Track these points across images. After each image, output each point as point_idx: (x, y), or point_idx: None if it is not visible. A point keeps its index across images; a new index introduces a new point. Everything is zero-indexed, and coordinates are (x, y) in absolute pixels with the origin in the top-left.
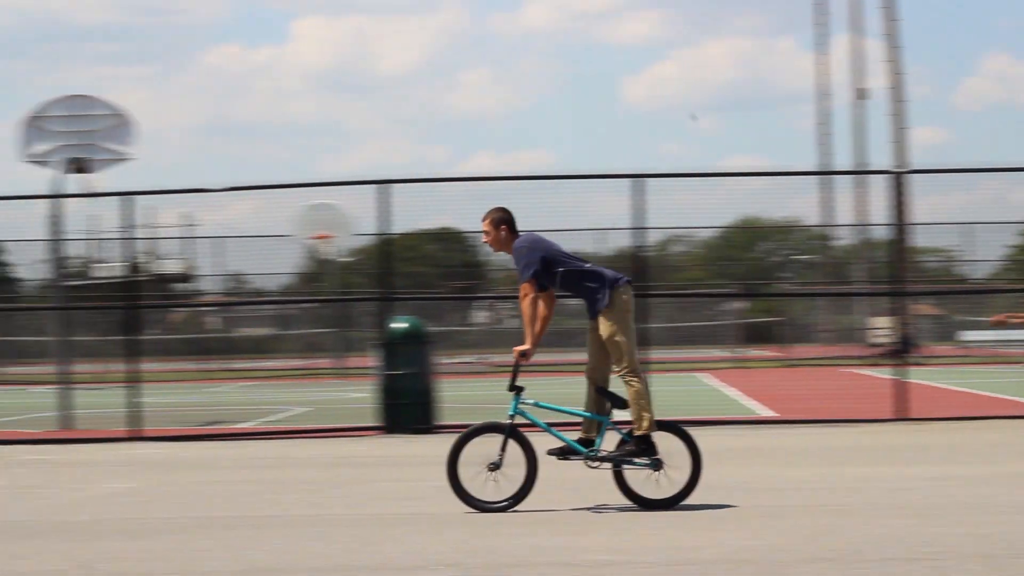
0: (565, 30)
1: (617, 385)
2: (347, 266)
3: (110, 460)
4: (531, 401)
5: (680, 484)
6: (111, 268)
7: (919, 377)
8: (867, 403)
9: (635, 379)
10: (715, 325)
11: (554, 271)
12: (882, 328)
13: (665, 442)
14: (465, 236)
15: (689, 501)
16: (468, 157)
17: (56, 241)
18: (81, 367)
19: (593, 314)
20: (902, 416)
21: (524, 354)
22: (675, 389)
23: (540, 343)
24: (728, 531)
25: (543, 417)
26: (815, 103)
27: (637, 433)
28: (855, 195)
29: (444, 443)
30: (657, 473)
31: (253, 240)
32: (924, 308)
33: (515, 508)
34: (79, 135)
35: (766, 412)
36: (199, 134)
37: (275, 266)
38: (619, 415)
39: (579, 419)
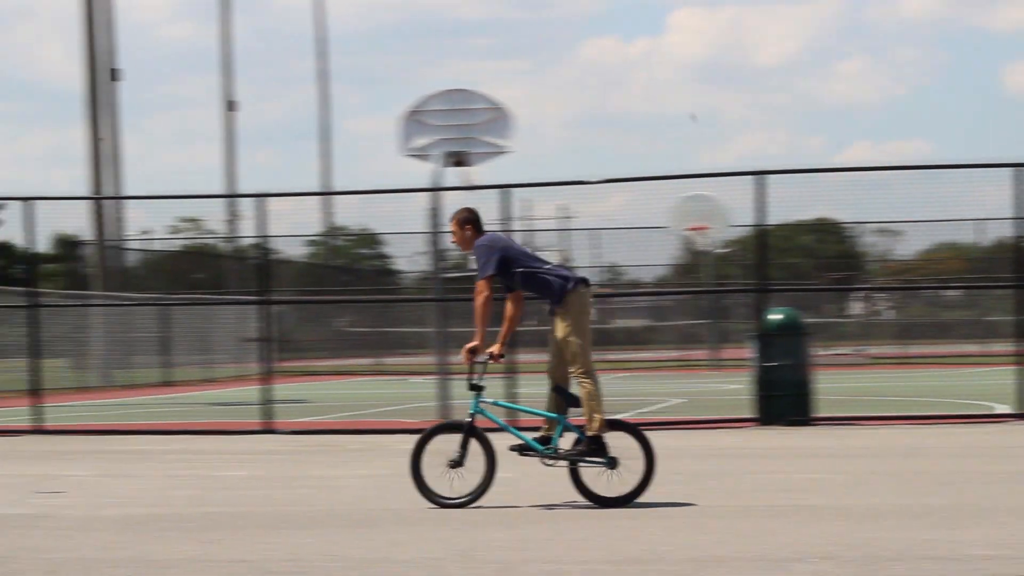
0: (943, 17)
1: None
2: (723, 257)
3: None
4: (491, 400)
5: (633, 483)
6: None
7: None
8: None
9: (587, 380)
10: None
11: (512, 271)
12: None
13: (622, 441)
14: (842, 227)
15: None
16: (844, 147)
17: (435, 233)
18: (458, 357)
19: (551, 314)
20: None
21: (472, 351)
22: None
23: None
24: None
25: (503, 416)
26: None
27: (588, 433)
28: None
29: (821, 436)
30: (611, 471)
31: (628, 232)
32: None
33: (475, 504)
34: (458, 129)
35: None
36: (575, 127)
37: (650, 257)
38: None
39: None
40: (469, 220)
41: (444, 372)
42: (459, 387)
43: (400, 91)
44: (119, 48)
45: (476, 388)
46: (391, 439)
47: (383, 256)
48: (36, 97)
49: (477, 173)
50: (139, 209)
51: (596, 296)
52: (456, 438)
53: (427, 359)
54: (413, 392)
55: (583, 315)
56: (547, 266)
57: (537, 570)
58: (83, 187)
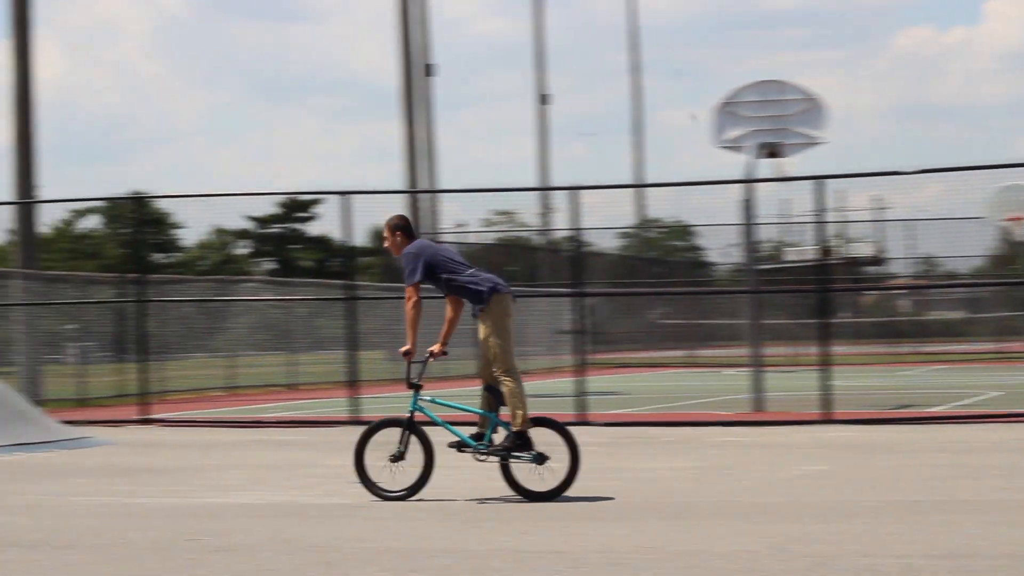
0: None
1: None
2: None
3: (802, 442)
4: (428, 398)
5: (560, 478)
6: (802, 252)
7: None
8: None
9: (508, 379)
10: None
11: (438, 276)
12: None
13: (547, 437)
14: None
15: None
16: None
17: (748, 225)
18: (772, 350)
19: (475, 316)
20: None
21: (407, 353)
22: None
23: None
24: None
25: (440, 412)
26: None
27: (514, 429)
28: None
29: None
30: (541, 467)
31: (943, 222)
32: None
33: (413, 497)
34: (771, 120)
35: None
36: (891, 117)
37: (966, 248)
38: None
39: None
40: (400, 227)
41: (758, 364)
42: (773, 379)
43: (713, 83)
44: (433, 44)
45: (414, 387)
46: (705, 431)
47: (695, 248)
48: (352, 92)
49: (791, 164)
50: (453, 203)
51: (909, 288)
52: (397, 432)
53: (740, 351)
54: (726, 384)
55: (504, 318)
56: (469, 271)
57: (852, 564)
58: (398, 181)
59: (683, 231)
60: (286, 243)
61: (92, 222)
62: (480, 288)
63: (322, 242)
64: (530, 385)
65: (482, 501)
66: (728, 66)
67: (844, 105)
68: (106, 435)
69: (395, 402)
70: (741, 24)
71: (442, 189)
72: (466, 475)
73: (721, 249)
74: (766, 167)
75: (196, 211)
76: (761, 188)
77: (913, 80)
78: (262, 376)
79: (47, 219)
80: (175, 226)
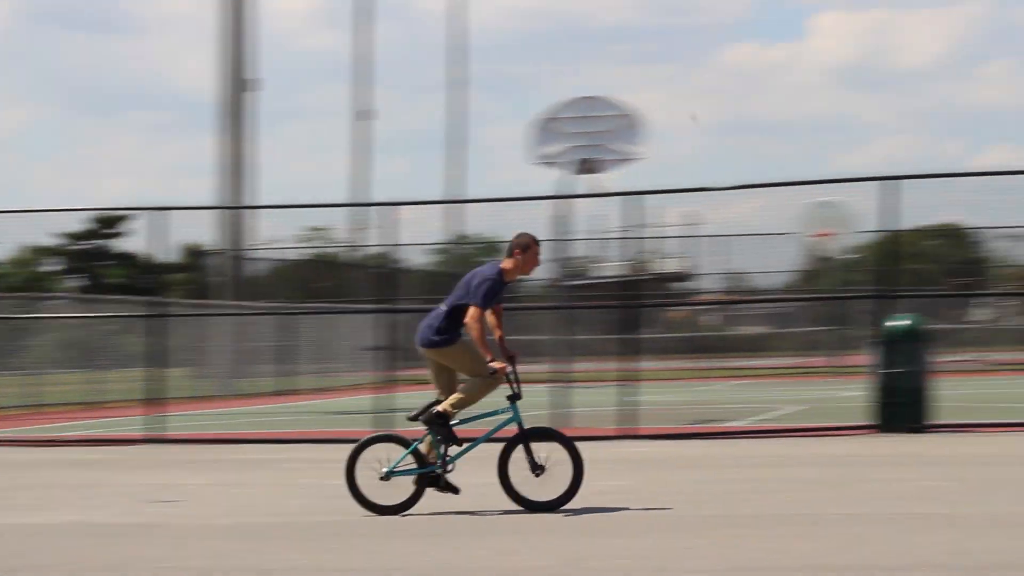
0: None
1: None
2: (847, 263)
3: (604, 458)
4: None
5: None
6: (612, 267)
7: None
8: None
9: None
10: None
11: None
12: None
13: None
14: (970, 232)
15: None
16: (984, 150)
17: (561, 241)
18: (580, 365)
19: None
20: None
21: (500, 369)
22: None
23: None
24: None
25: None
26: None
27: (439, 408)
28: None
29: (940, 443)
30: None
31: (754, 238)
32: None
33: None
34: (589, 136)
35: None
36: (715, 132)
37: (777, 264)
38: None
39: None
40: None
41: (564, 380)
42: (580, 395)
43: (539, 99)
44: (257, 58)
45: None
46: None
47: None
48: (173, 107)
49: (607, 180)
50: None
51: (716, 303)
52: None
53: (546, 367)
54: (531, 400)
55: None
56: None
57: None
58: (211, 197)
59: (495, 247)
60: (96, 259)
61: None
62: None
63: (131, 258)
64: (335, 402)
65: (277, 520)
66: (556, 82)
67: (669, 120)
68: None
69: (200, 420)
70: (570, 39)
71: (255, 205)
72: (260, 493)
73: None
74: (582, 183)
75: (4, 227)
76: (578, 204)
77: (737, 96)
78: (66, 394)
79: None
80: None
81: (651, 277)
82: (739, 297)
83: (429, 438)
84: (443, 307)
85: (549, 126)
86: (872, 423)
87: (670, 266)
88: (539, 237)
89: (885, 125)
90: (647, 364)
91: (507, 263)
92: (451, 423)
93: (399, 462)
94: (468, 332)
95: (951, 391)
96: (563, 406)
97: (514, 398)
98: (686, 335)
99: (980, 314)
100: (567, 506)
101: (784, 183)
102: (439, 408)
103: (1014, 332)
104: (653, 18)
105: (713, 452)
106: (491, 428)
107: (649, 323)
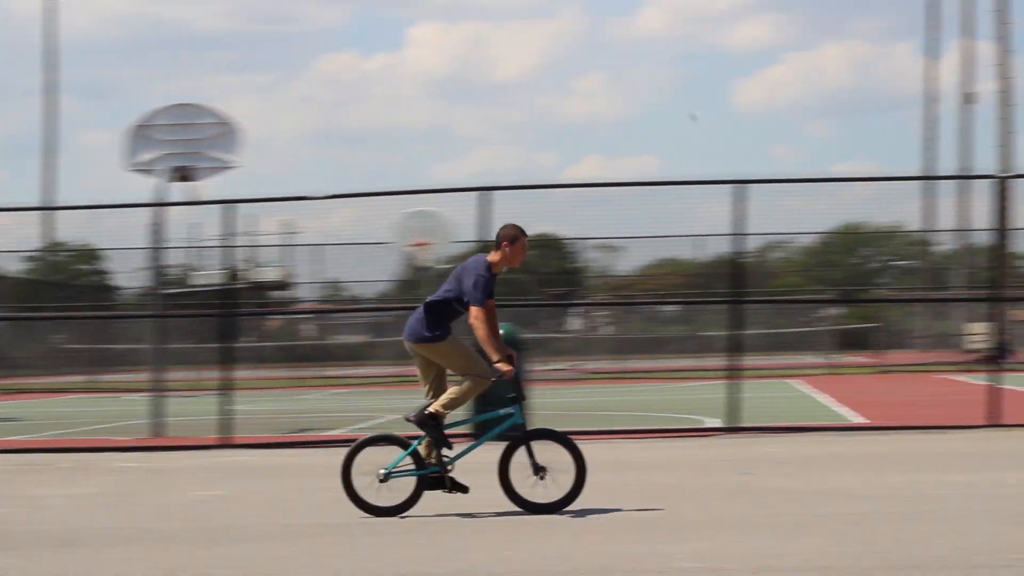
0: (680, 35)
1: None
2: (444, 273)
3: (200, 467)
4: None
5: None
6: (209, 276)
7: (1015, 383)
8: (960, 409)
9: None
10: (810, 331)
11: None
12: (978, 334)
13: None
14: (564, 243)
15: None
16: (576, 162)
17: (157, 249)
18: (176, 375)
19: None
20: (995, 423)
21: (509, 369)
22: (768, 396)
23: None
24: (814, 538)
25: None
26: (923, 108)
27: (430, 409)
28: (958, 200)
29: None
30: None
31: (352, 247)
32: (1022, 314)
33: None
34: (184, 143)
35: (857, 419)
36: (309, 142)
37: (373, 273)
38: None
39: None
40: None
41: (158, 389)
42: (175, 404)
43: (137, 105)
44: None
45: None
46: (102, 457)
47: (101, 272)
48: None
49: (203, 188)
50: None
51: (314, 312)
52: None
53: (143, 376)
54: (128, 409)
55: None
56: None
57: None
58: None
59: (90, 255)
60: None
61: None
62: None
63: None
64: None
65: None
66: (152, 88)
67: (265, 129)
68: None
69: None
70: (168, 45)
71: None
72: None
73: (129, 273)
74: (178, 191)
75: None
76: (174, 212)
77: (335, 105)
78: None
79: None
80: None
81: (248, 286)
82: (335, 306)
83: (428, 439)
84: (431, 300)
85: (143, 133)
86: (471, 432)
87: (267, 275)
88: (391, 237)
89: (482, 136)
90: (246, 373)
91: (494, 255)
92: (443, 423)
93: (397, 463)
94: (474, 332)
95: (546, 400)
96: (160, 415)
97: (516, 399)
98: (284, 344)
99: (575, 324)
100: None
101: (380, 192)
102: (431, 409)
103: (608, 341)
104: (252, 26)
105: (310, 461)
106: (493, 429)
107: (247, 332)
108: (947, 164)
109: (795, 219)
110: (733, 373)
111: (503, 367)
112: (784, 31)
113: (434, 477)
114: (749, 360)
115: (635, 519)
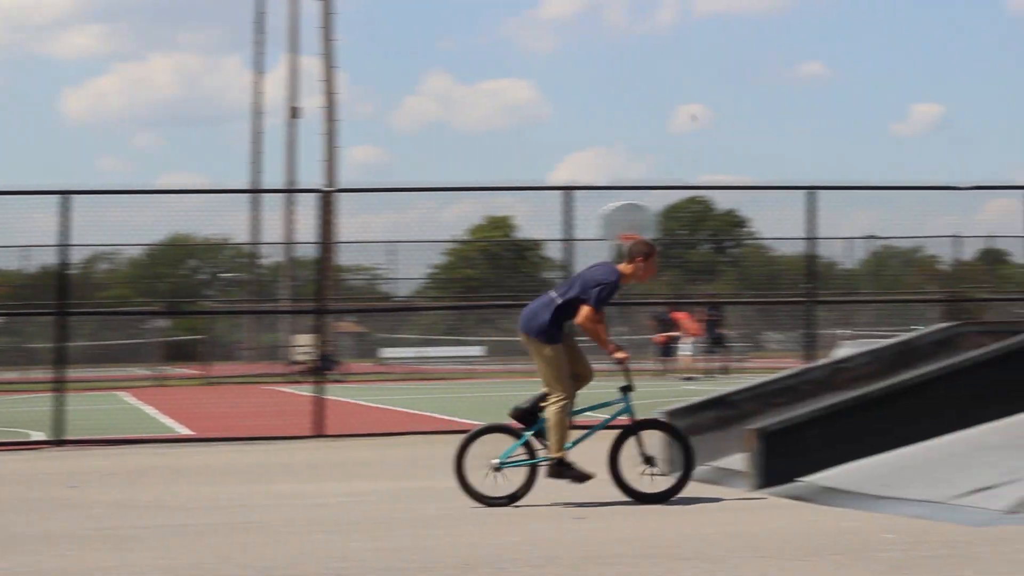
0: (7, 42)
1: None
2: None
3: None
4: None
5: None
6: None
7: (339, 394)
8: (286, 420)
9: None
10: (138, 343)
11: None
12: (304, 346)
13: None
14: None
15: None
16: None
17: None
18: None
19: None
20: (320, 433)
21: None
22: (96, 408)
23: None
24: (143, 551)
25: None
26: (251, 121)
27: (551, 462)
28: (285, 214)
29: None
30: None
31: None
32: (347, 326)
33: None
34: None
35: (183, 430)
36: None
37: None
38: None
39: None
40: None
41: None
42: None
43: None
44: None
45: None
46: None
47: None
48: None
49: None
50: None
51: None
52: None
53: None
54: None
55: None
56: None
57: None
58: None
59: None
60: None
61: None
62: None
63: None
64: None
65: None
66: None
67: None
68: None
69: None
70: None
71: None
72: None
73: None
74: None
75: None
76: None
77: None
78: None
79: None
80: None
81: None
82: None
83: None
84: (555, 297)
85: None
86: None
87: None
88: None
89: None
90: None
91: (627, 267)
92: (568, 462)
93: (510, 452)
94: (584, 332)
95: None
96: None
97: (627, 388)
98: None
99: None
100: None
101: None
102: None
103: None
104: None
105: None
106: (605, 417)
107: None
108: (274, 177)
109: (124, 231)
110: (59, 385)
111: (620, 355)
112: (112, 42)
113: (558, 466)
114: (76, 372)
115: None
